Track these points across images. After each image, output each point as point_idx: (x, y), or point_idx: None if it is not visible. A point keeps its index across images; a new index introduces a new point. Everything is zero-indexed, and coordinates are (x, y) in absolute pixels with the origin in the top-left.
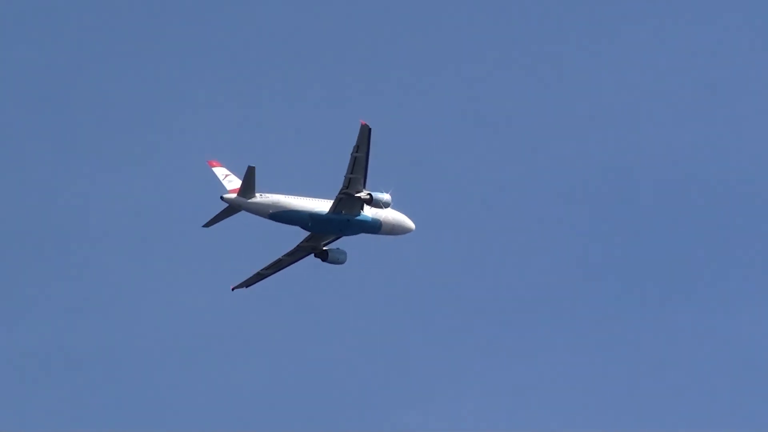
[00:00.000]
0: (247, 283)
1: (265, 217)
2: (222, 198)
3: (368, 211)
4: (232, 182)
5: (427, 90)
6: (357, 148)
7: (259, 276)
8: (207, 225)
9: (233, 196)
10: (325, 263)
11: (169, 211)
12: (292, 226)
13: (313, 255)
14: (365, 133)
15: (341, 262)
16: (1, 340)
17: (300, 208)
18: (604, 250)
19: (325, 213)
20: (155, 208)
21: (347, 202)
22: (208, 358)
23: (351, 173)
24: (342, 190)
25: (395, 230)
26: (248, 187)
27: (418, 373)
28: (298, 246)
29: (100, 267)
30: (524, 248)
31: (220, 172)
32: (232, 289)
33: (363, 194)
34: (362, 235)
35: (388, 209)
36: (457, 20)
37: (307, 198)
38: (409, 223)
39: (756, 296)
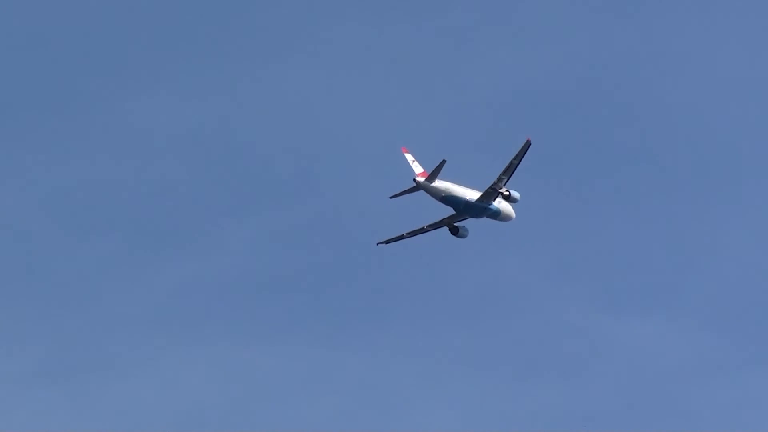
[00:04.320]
0: (389, 241)
1: (436, 199)
2: (414, 180)
3: (495, 202)
4: (417, 167)
5: None
6: (516, 157)
7: (401, 238)
8: (392, 197)
9: (422, 179)
10: (454, 236)
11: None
12: (443, 206)
13: (447, 229)
14: (526, 147)
15: (464, 237)
16: None
17: (461, 195)
18: None
19: (474, 200)
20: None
21: (491, 194)
22: None
23: (503, 174)
24: (493, 185)
25: (506, 217)
26: (435, 174)
27: None
28: (440, 220)
29: None
30: None
31: (409, 157)
32: (377, 244)
33: (504, 191)
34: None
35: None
36: None
37: (460, 186)
38: (514, 213)
39: None
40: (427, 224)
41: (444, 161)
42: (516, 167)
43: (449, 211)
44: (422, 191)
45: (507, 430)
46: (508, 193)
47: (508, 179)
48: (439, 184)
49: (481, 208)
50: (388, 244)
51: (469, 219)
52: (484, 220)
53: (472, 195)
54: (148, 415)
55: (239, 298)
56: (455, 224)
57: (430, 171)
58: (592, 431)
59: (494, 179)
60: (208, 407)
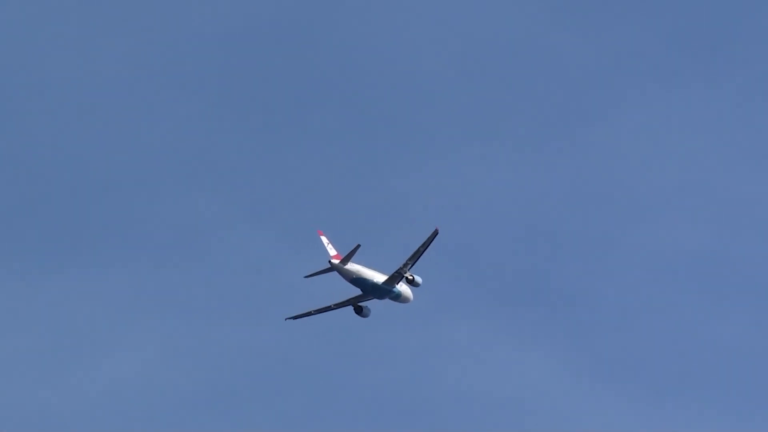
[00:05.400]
0: (297, 317)
1: (347, 280)
2: (329, 261)
3: (397, 285)
4: (331, 249)
5: None
6: (423, 245)
7: (308, 314)
8: (307, 276)
9: (337, 261)
10: (357, 315)
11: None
12: (350, 285)
13: (351, 308)
14: (434, 236)
15: (367, 316)
16: None
17: (370, 278)
18: None
19: (380, 283)
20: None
21: (396, 278)
22: None
23: (409, 259)
24: (399, 270)
25: (406, 300)
26: (349, 257)
27: None
28: (347, 299)
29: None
30: None
31: (324, 240)
32: (285, 319)
33: (409, 275)
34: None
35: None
36: None
37: (369, 269)
38: (412, 296)
39: None
40: (334, 303)
41: (358, 246)
42: (422, 254)
43: (354, 291)
44: (335, 272)
45: None
46: (411, 277)
47: (413, 265)
48: (350, 266)
49: (385, 291)
50: (296, 320)
51: (372, 299)
52: (386, 301)
53: (380, 278)
54: None
55: None
56: (359, 304)
57: (344, 254)
58: None
59: (400, 264)
60: None
